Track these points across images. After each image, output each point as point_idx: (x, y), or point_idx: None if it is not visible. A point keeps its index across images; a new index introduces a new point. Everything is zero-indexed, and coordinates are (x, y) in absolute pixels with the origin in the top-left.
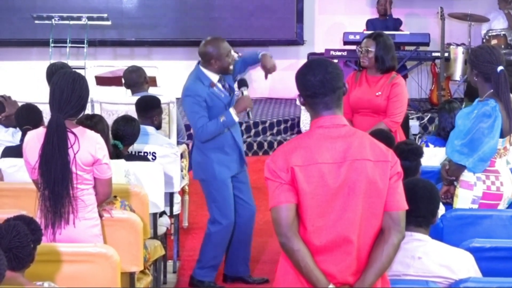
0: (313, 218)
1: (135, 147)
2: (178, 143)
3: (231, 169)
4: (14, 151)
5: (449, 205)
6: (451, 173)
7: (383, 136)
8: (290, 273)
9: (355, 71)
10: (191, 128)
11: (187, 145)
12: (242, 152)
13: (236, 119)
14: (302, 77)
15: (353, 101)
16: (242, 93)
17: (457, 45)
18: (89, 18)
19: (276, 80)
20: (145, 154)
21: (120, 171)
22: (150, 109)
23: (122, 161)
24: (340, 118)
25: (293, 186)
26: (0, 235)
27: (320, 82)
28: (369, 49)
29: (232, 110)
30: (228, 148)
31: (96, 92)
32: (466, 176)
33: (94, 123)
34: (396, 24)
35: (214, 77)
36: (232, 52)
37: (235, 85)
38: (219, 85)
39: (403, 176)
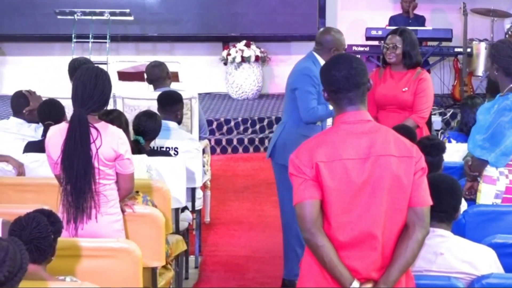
0: (337, 214)
1: (157, 142)
2: (200, 138)
3: None
4: (37, 146)
5: (473, 201)
6: (473, 168)
7: (404, 131)
8: (314, 269)
9: (377, 67)
10: (302, 109)
11: (209, 140)
12: None
13: None
14: (327, 72)
15: (378, 98)
16: None
17: (480, 40)
18: (112, 14)
19: None
20: (167, 149)
21: (142, 166)
22: (172, 104)
23: (144, 156)
24: (364, 113)
25: (317, 182)
26: (20, 228)
27: (344, 77)
28: (397, 45)
29: None
30: None
31: (118, 87)
32: (489, 171)
33: (110, 119)
34: (420, 21)
35: None
36: None
37: None
38: None
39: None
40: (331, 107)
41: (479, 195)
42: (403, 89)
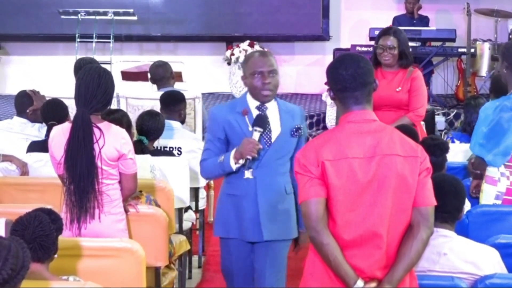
0: (342, 213)
1: (161, 142)
2: (204, 138)
3: (242, 231)
4: (40, 146)
5: (477, 200)
6: (475, 166)
7: (406, 131)
8: (318, 267)
9: None
10: None
11: None
12: (262, 221)
13: (233, 166)
14: (334, 70)
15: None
16: (253, 133)
17: (484, 41)
18: (115, 13)
19: (302, 75)
20: (171, 149)
21: (145, 166)
22: (175, 103)
23: (148, 156)
24: (370, 113)
25: (323, 181)
26: (23, 227)
27: (351, 76)
28: (394, 45)
29: (232, 154)
30: (247, 203)
31: (121, 87)
32: (491, 171)
33: (111, 120)
34: (424, 22)
35: (253, 104)
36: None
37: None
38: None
39: None
40: (221, 158)
41: (482, 195)
42: (397, 89)
